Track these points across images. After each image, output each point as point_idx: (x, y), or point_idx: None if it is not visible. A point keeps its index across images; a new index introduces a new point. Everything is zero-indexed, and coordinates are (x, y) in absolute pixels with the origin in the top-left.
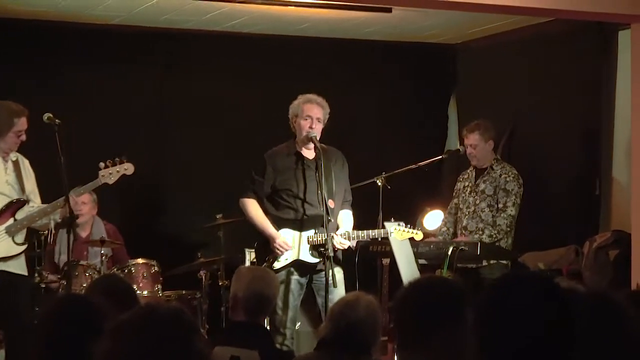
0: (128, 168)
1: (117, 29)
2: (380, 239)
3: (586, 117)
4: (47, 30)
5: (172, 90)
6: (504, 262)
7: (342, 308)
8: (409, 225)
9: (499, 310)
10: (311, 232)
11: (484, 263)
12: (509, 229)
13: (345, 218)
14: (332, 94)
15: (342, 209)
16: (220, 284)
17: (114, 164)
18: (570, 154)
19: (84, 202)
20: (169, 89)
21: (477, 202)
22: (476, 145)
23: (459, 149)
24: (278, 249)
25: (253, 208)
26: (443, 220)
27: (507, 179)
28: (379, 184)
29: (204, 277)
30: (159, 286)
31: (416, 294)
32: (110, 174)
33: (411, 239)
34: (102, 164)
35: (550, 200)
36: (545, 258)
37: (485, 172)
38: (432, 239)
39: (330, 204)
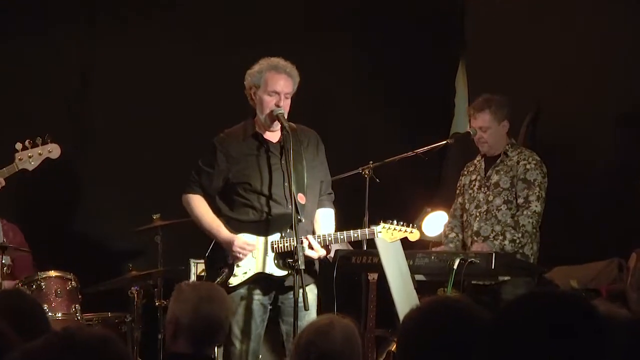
0: (53, 150)
1: None
2: (366, 247)
3: (633, 94)
4: None
5: (97, 54)
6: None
7: (312, 336)
8: (401, 223)
9: (512, 340)
10: (277, 237)
11: (502, 278)
12: (535, 230)
13: (324, 218)
14: (305, 57)
15: (320, 206)
16: (157, 304)
17: (34, 145)
18: (612, 142)
19: None
20: (92, 51)
21: (490, 198)
22: (487, 127)
23: (469, 132)
24: (239, 253)
25: (200, 206)
26: (447, 225)
27: (528, 167)
28: (365, 176)
29: (136, 295)
30: (78, 306)
31: (435, 324)
32: (30, 157)
33: (406, 245)
34: (19, 145)
35: (586, 200)
36: (580, 274)
37: (499, 160)
38: (437, 248)
39: (301, 199)
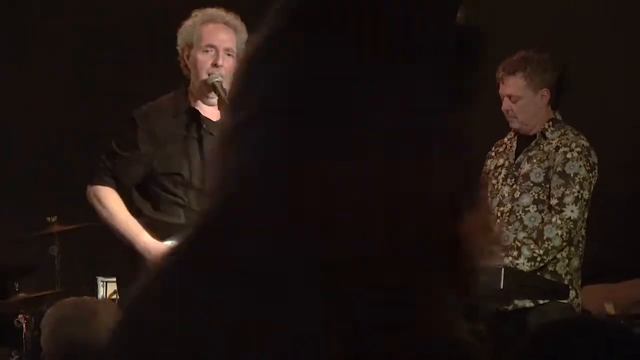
0: None
1: None
2: None
3: None
4: None
5: None
6: (564, 301)
7: None
8: None
9: None
10: None
11: (530, 303)
12: (565, 244)
13: None
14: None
15: None
16: None
17: None
18: None
19: None
20: None
21: (517, 194)
22: (518, 97)
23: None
24: None
25: (110, 201)
26: None
27: (569, 156)
28: None
29: (24, 325)
30: None
31: None
32: None
33: None
34: None
35: (624, 195)
36: (617, 295)
37: (533, 143)
38: None
39: None
